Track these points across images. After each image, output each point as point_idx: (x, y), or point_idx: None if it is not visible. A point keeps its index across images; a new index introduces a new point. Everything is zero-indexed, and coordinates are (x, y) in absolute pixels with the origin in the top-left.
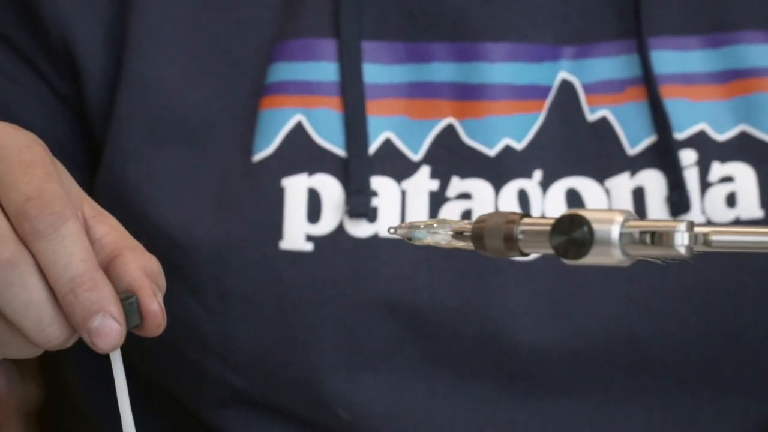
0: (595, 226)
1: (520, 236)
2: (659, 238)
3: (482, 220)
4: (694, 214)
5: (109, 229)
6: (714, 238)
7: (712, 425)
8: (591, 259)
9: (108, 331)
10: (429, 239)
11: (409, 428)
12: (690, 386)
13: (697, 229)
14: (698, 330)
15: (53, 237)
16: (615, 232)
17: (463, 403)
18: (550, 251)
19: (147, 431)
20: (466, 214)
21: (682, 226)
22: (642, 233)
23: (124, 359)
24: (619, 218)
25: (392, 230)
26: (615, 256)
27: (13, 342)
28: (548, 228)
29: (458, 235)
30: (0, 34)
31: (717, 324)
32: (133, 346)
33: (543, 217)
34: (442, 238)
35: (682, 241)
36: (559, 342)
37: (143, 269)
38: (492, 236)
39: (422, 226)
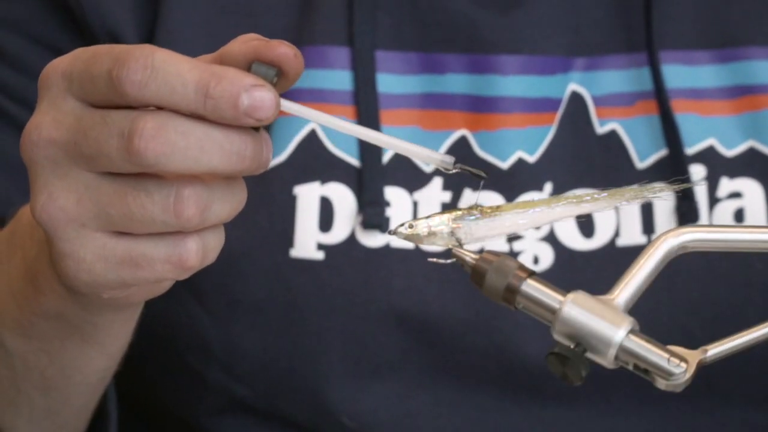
0: (597, 329)
1: (521, 298)
2: (651, 375)
3: (489, 259)
4: None
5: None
6: (711, 353)
7: None
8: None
9: (260, 99)
10: (428, 241)
11: None
12: (692, 397)
13: (693, 357)
14: (703, 343)
15: (154, 74)
16: (617, 340)
17: (468, 412)
18: (543, 321)
19: None
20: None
21: (678, 372)
22: (635, 365)
23: (116, 375)
24: (624, 328)
25: (392, 231)
26: (608, 361)
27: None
28: (553, 303)
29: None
30: (51, 44)
31: (722, 337)
32: (133, 352)
33: (550, 285)
34: (441, 244)
35: (675, 387)
36: None
37: (243, 42)
38: (495, 279)
39: (422, 233)
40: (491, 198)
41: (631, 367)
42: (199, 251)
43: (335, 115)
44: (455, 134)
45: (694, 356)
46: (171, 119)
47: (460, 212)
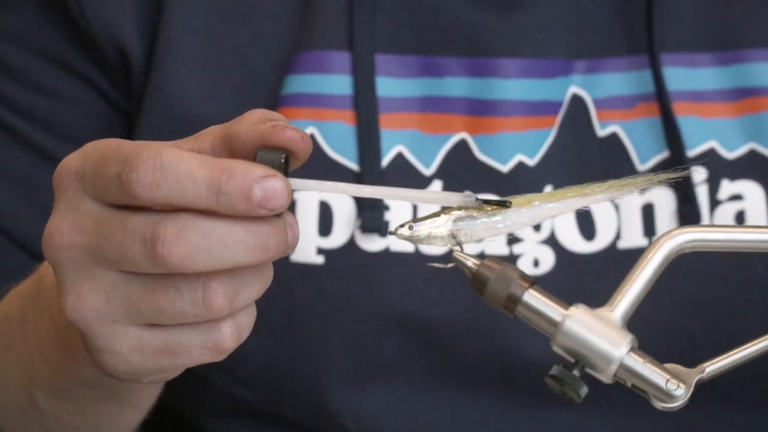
0: (598, 347)
1: (522, 307)
2: (646, 394)
3: (491, 267)
4: None
5: (200, 140)
6: (709, 370)
7: None
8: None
9: (272, 189)
10: (428, 242)
11: None
12: (693, 400)
13: (690, 375)
14: (704, 345)
15: (165, 175)
16: (617, 359)
17: (469, 415)
18: (542, 332)
19: None
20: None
21: (672, 388)
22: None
23: None
24: (624, 347)
25: (392, 232)
26: (606, 377)
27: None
28: (554, 316)
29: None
30: (55, 57)
31: (723, 340)
32: None
33: (551, 296)
34: (440, 246)
35: (668, 402)
36: None
37: (250, 125)
38: (497, 287)
39: (423, 236)
40: None
41: (629, 385)
42: (233, 334)
43: (335, 119)
44: (455, 137)
45: (692, 375)
46: (191, 221)
47: (459, 212)
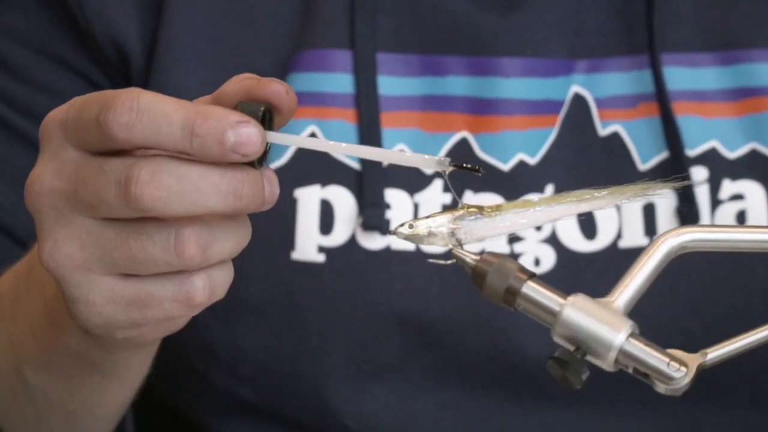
0: (597, 333)
1: (521, 300)
2: (649, 377)
3: (489, 261)
4: None
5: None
6: (711, 356)
7: None
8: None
9: (246, 135)
10: (428, 241)
11: None
12: (694, 399)
13: (693, 360)
14: (704, 345)
15: (140, 115)
16: (617, 344)
17: (470, 413)
18: (543, 323)
19: None
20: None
21: (678, 376)
22: (635, 369)
23: None
24: (624, 332)
25: (392, 231)
26: (607, 364)
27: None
28: (553, 306)
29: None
30: (55, 55)
31: (724, 338)
32: None
33: (550, 287)
34: (440, 245)
35: (673, 391)
36: None
37: (235, 82)
38: (496, 281)
39: (423, 234)
40: (492, 200)
41: (630, 371)
42: (206, 288)
43: (336, 117)
44: (456, 136)
45: (694, 360)
46: (166, 163)
47: (460, 212)
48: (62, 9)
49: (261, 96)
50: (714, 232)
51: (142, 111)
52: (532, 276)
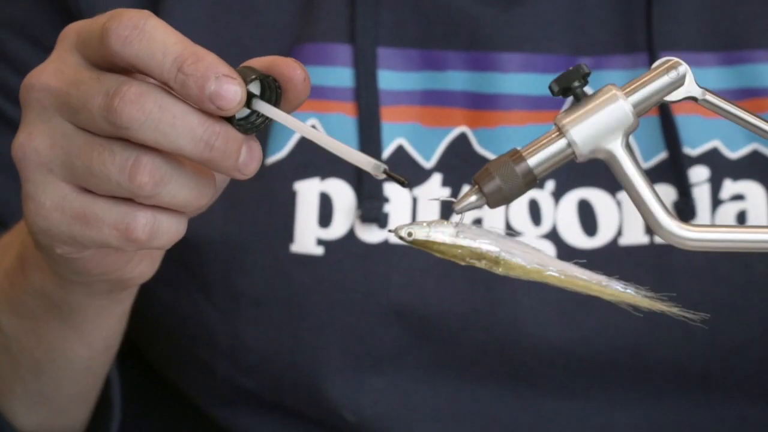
0: (606, 117)
1: (539, 173)
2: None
3: (487, 173)
4: None
5: None
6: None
7: (711, 429)
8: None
9: (226, 90)
10: (431, 234)
11: (414, 429)
12: (690, 393)
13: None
14: (702, 343)
15: (141, 35)
16: (627, 108)
17: (467, 405)
18: (561, 164)
19: (156, 428)
20: (476, 222)
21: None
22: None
23: (140, 357)
24: (620, 93)
25: (392, 231)
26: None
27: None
28: (557, 147)
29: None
30: (52, 46)
31: (721, 338)
32: (146, 344)
33: (541, 140)
34: (444, 233)
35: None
36: (564, 349)
37: (272, 56)
38: (507, 180)
39: (425, 225)
40: None
41: (653, 102)
42: (146, 226)
43: (336, 111)
44: (455, 131)
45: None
46: (154, 91)
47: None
48: (59, 1)
49: (276, 71)
50: (714, 232)
51: (144, 32)
52: (517, 152)
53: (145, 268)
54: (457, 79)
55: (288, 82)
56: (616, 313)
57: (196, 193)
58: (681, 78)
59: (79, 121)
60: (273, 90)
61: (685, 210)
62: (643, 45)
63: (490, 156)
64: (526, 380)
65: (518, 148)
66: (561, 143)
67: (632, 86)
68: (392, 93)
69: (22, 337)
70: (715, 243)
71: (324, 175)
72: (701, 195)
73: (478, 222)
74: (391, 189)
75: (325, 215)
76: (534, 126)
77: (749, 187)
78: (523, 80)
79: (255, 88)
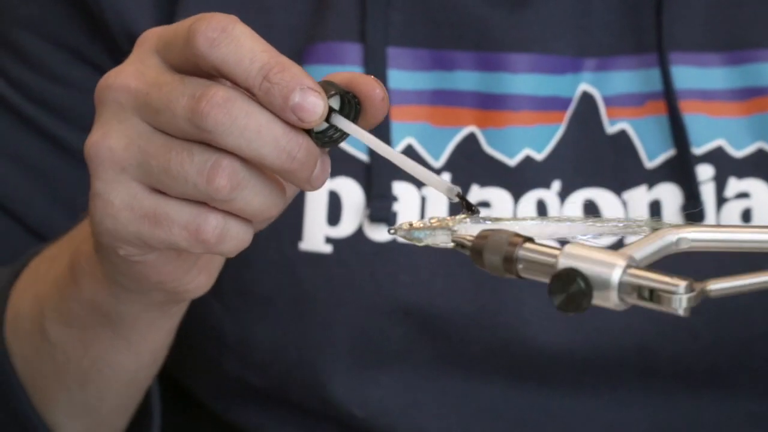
0: (596, 270)
1: (520, 264)
2: (657, 297)
3: (484, 236)
4: None
5: None
6: (713, 287)
7: (718, 426)
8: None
9: (310, 102)
10: (429, 240)
11: (420, 426)
12: (697, 390)
13: (696, 285)
14: (708, 341)
15: (229, 39)
16: (615, 277)
17: (473, 402)
18: (545, 280)
19: (164, 424)
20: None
21: (681, 287)
22: (640, 288)
23: None
24: (621, 263)
25: (392, 231)
26: (612, 301)
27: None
28: (549, 259)
29: (459, 245)
30: (69, 45)
31: (727, 336)
32: None
33: (547, 245)
34: (442, 240)
35: (679, 304)
36: (571, 348)
37: (354, 73)
38: (492, 253)
39: (423, 226)
40: (498, 195)
41: (635, 299)
42: (216, 229)
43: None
44: (464, 131)
45: (698, 284)
46: (241, 97)
47: (460, 216)
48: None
49: (356, 88)
50: (715, 232)
51: (233, 36)
52: (526, 240)
53: (202, 280)
54: (466, 79)
55: (366, 100)
56: (622, 314)
57: (269, 202)
58: (680, 287)
59: (159, 122)
60: (352, 106)
61: (693, 213)
62: (650, 46)
63: (499, 156)
64: (533, 378)
65: (528, 237)
66: (550, 260)
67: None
68: (402, 92)
69: (69, 346)
70: (716, 243)
71: (333, 173)
72: (706, 194)
73: None
74: (400, 188)
75: (334, 213)
76: (543, 126)
77: (754, 185)
78: (531, 81)
79: (335, 102)
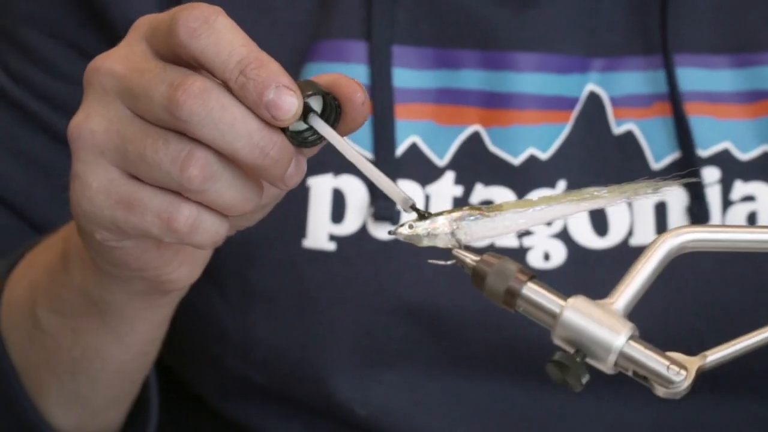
0: (597, 334)
1: (520, 303)
2: (648, 380)
3: (490, 262)
4: None
5: None
6: (710, 359)
7: (719, 427)
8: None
9: (284, 100)
10: (426, 242)
11: (423, 424)
12: (700, 391)
13: (693, 364)
14: (712, 343)
15: (210, 31)
16: (617, 346)
17: (476, 401)
18: (543, 325)
19: (166, 422)
20: None
21: (673, 374)
22: (635, 372)
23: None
24: (624, 333)
25: (391, 232)
26: (607, 366)
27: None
28: (550, 305)
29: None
30: (73, 41)
31: (731, 338)
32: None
33: (551, 289)
34: (442, 242)
35: (670, 388)
36: None
37: (338, 75)
38: (495, 281)
39: (423, 231)
40: (502, 194)
41: (630, 373)
42: (189, 219)
43: None
44: (468, 129)
45: (694, 363)
46: (218, 89)
47: (459, 213)
48: None
49: (336, 89)
50: (715, 232)
51: (214, 28)
52: (532, 277)
53: (183, 273)
54: (471, 78)
55: (347, 103)
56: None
57: (242, 197)
58: (675, 383)
59: (139, 108)
60: (333, 109)
61: (698, 214)
62: (657, 47)
63: (503, 155)
64: (536, 377)
65: (533, 274)
66: (554, 309)
67: (641, 346)
68: (407, 91)
69: (59, 334)
70: (716, 243)
71: (337, 171)
72: (712, 196)
73: None
74: (404, 187)
75: (338, 211)
76: (548, 126)
77: (760, 188)
78: (536, 80)
79: (317, 104)
